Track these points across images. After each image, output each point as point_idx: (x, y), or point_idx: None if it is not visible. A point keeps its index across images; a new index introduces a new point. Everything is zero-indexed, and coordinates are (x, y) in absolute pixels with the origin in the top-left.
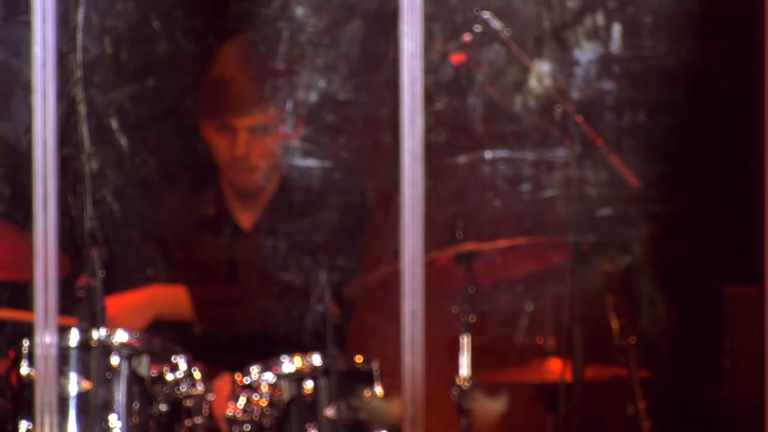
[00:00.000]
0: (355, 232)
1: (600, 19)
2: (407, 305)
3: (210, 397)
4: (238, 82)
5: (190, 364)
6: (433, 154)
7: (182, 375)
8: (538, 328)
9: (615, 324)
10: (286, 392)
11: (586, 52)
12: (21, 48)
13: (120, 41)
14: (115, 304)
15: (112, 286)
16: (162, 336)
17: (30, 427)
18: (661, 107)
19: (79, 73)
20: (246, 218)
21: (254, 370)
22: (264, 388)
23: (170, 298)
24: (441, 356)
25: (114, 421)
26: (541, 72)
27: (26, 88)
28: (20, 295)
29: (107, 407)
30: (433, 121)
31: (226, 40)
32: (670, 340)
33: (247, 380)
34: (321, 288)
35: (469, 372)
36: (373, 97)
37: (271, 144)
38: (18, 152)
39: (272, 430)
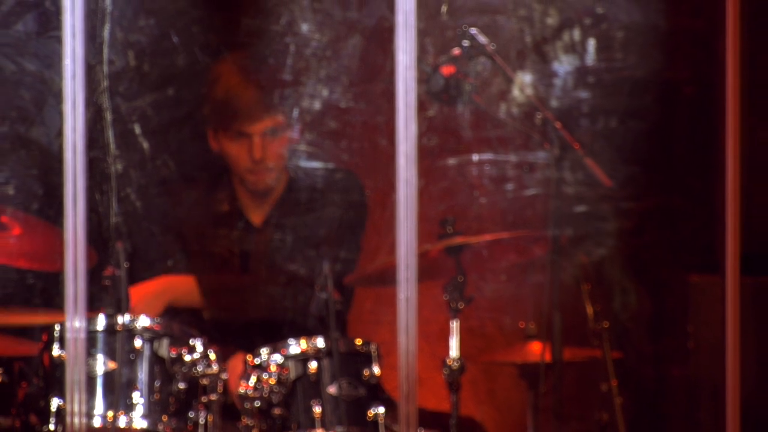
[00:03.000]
0: (355, 226)
1: (576, 34)
2: (402, 293)
3: (224, 376)
4: (245, 94)
5: (205, 347)
6: (425, 156)
7: (199, 356)
8: (520, 314)
9: (590, 310)
10: (292, 372)
11: (563, 65)
12: (53, 61)
13: (142, 54)
14: (134, 294)
15: (135, 276)
16: (180, 321)
17: (61, 404)
18: (632, 114)
19: (105, 83)
20: (257, 215)
21: (264, 351)
22: (272, 368)
23: (181, 287)
24: (432, 339)
25: (137, 397)
26: (523, 82)
27: (57, 97)
28: (52, 284)
29: (131, 385)
30: (426, 127)
31: (231, 55)
32: (640, 325)
33: (257, 361)
34: (324, 277)
35: (458, 353)
36: (371, 105)
37: (280, 146)
38: (50, 154)
39: (280, 406)
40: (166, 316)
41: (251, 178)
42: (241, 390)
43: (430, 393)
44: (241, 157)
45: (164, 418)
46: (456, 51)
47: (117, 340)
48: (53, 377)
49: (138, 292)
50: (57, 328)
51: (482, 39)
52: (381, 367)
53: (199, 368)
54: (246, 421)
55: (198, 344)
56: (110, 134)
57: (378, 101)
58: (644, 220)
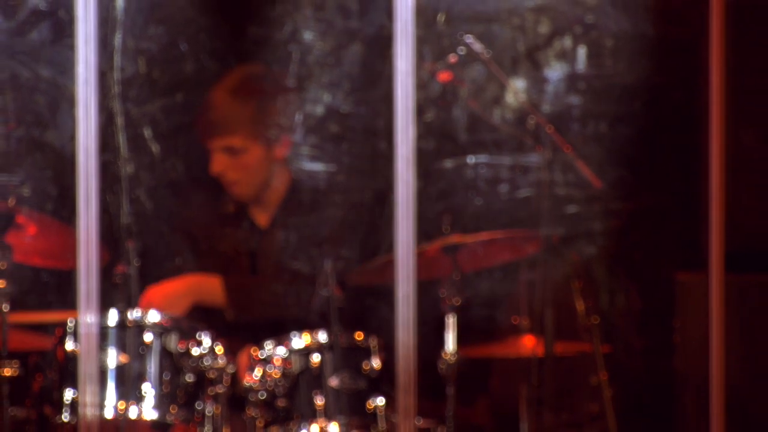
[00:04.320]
0: (355, 226)
1: (568, 42)
2: (401, 290)
3: (231, 369)
4: (216, 110)
5: (213, 341)
6: (423, 159)
7: (206, 350)
8: (514, 310)
9: (581, 306)
10: (296, 365)
11: (555, 71)
12: (66, 67)
13: (152, 61)
14: (158, 293)
15: (145, 274)
16: (199, 319)
17: (74, 396)
18: (621, 118)
19: (116, 89)
20: (262, 216)
21: (268, 345)
22: (277, 362)
23: (207, 287)
24: (430, 334)
25: (147, 389)
26: (517, 88)
27: (71, 102)
28: (65, 281)
29: (141, 378)
30: (423, 131)
31: (224, 75)
32: (628, 320)
33: (262, 354)
34: (326, 275)
35: (454, 347)
36: (371, 109)
37: (245, 162)
38: (64, 157)
39: (283, 397)
40: (191, 315)
41: (229, 190)
42: (246, 383)
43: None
44: (211, 169)
45: (173, 409)
46: (452, 58)
47: (127, 335)
48: (67, 370)
49: (163, 290)
50: (70, 323)
51: (477, 47)
52: (381, 360)
53: (207, 362)
54: (251, 412)
55: (205, 338)
56: (121, 138)
57: (378, 106)
58: (633, 219)
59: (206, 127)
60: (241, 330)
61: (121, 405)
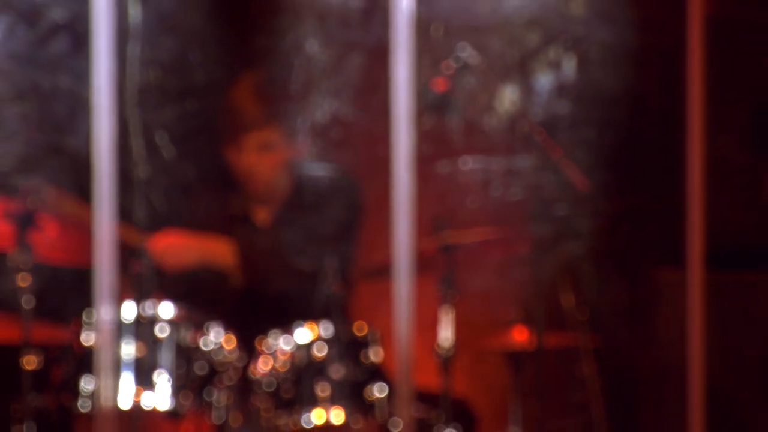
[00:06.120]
0: (356, 227)
1: (557, 52)
2: (400, 286)
3: (239, 363)
4: (246, 109)
5: (223, 334)
6: (420, 163)
7: (217, 343)
8: (506, 305)
9: (570, 301)
10: (299, 357)
11: (545, 79)
12: (83, 76)
13: (164, 70)
14: (168, 240)
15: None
16: (200, 306)
17: (91, 387)
18: (607, 124)
19: (132, 96)
20: (265, 216)
21: (274, 338)
22: (282, 354)
23: (217, 247)
24: (427, 328)
25: (160, 381)
26: (509, 96)
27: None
28: (84, 276)
29: (155, 369)
30: (421, 136)
31: (242, 76)
32: (614, 315)
33: (268, 347)
34: (328, 272)
35: (450, 340)
36: (371, 116)
37: (275, 159)
38: (82, 162)
39: (287, 387)
40: (193, 274)
41: (247, 187)
42: (252, 375)
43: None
44: (238, 167)
45: (185, 399)
46: (447, 67)
47: (142, 328)
48: (84, 362)
49: (174, 240)
50: (88, 315)
51: (472, 56)
52: (380, 352)
53: (217, 354)
54: (257, 402)
55: (217, 332)
56: (137, 143)
57: (377, 113)
58: (618, 219)
59: (235, 125)
60: (249, 323)
61: (136, 395)
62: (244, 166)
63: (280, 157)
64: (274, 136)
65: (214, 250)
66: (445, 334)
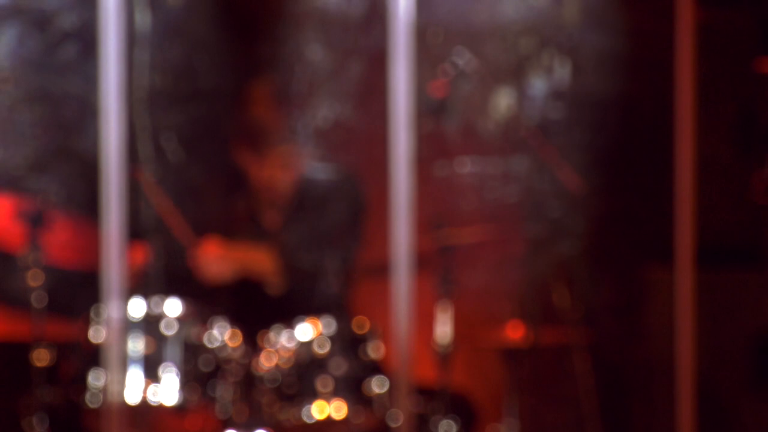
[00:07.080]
0: (359, 226)
1: (551, 57)
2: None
3: (243, 359)
4: (272, 119)
5: (229, 331)
6: (419, 165)
7: (223, 340)
8: (502, 303)
9: (563, 299)
10: (302, 353)
11: (540, 84)
12: (91, 81)
13: (172, 76)
14: (213, 248)
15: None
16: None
17: (100, 382)
18: (599, 127)
19: (140, 100)
20: (272, 216)
21: (277, 334)
22: (285, 350)
23: (256, 256)
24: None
25: (167, 376)
26: (504, 100)
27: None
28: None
29: (162, 365)
30: (419, 139)
31: (253, 84)
32: (607, 312)
33: (271, 343)
34: (330, 270)
35: (448, 335)
36: (372, 120)
37: (295, 165)
38: (91, 165)
39: (290, 382)
40: (233, 282)
41: (266, 192)
42: (256, 370)
43: (422, 368)
44: (260, 173)
45: (190, 394)
46: (445, 72)
47: (150, 326)
48: (93, 358)
49: (218, 248)
50: (98, 313)
51: (468, 61)
52: (380, 348)
53: (222, 350)
54: (261, 396)
55: (223, 329)
56: (145, 146)
57: (378, 117)
58: (610, 219)
59: (256, 137)
60: (253, 318)
61: (144, 391)
62: (265, 178)
63: (300, 169)
64: (295, 151)
65: (254, 259)
66: (443, 330)
